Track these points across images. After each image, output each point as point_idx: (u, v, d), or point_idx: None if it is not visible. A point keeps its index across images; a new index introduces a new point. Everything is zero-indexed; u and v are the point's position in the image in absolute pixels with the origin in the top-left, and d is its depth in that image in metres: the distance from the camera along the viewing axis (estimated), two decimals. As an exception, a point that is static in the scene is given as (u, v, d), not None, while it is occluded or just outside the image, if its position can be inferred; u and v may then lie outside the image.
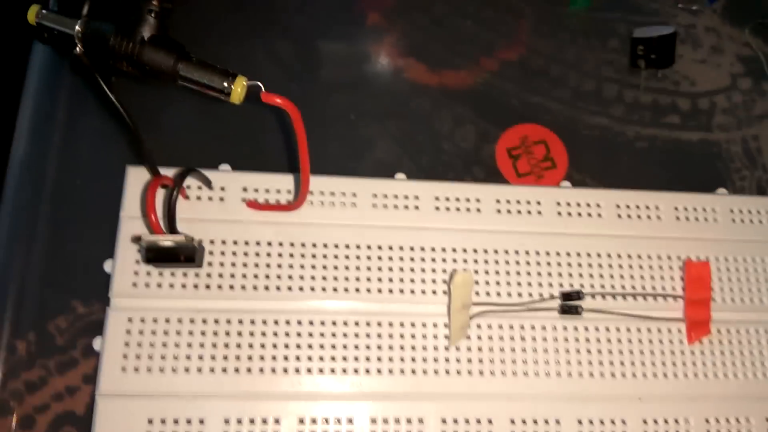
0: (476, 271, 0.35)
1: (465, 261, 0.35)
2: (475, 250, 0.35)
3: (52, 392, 0.32)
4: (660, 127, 0.43)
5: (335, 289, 0.34)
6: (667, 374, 0.35)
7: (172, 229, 0.30)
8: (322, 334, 0.33)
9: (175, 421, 0.30)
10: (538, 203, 0.37)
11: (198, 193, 0.34)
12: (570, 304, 0.35)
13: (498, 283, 0.35)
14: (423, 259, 0.35)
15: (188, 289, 0.33)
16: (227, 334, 0.32)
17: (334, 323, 0.33)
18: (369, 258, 0.35)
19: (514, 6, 0.44)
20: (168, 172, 0.33)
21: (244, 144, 0.37)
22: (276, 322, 0.33)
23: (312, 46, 0.41)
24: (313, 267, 0.34)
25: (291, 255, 0.34)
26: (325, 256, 0.34)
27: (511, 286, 0.35)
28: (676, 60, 0.44)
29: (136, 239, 0.32)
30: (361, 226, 0.35)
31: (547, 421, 0.33)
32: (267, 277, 0.34)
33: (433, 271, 0.35)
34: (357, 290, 0.34)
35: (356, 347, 0.33)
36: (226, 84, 0.27)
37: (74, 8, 0.32)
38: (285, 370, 0.32)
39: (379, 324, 0.33)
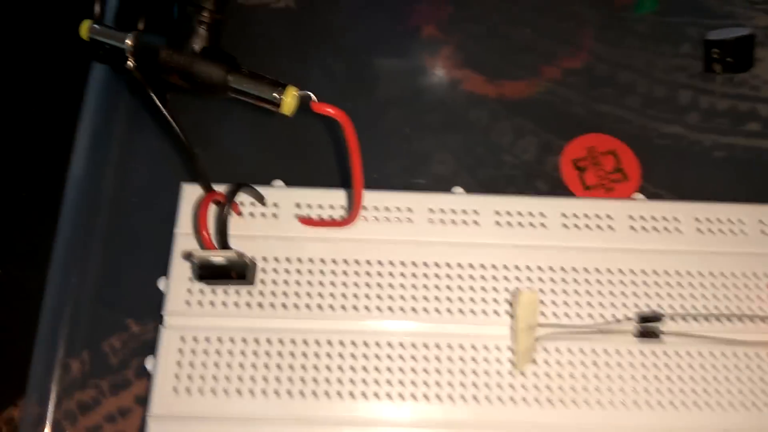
0: (542, 291, 0.33)
1: (529, 279, 0.33)
2: (540, 268, 0.33)
3: (104, 413, 0.32)
4: (739, 135, 0.39)
5: (391, 309, 0.32)
6: (756, 404, 0.31)
7: (223, 245, 0.29)
8: (377, 357, 0.31)
9: (227, 446, 0.29)
10: (609, 217, 0.34)
11: (251, 209, 0.34)
12: (648, 326, 0.32)
13: (566, 303, 0.32)
14: (484, 278, 0.33)
15: (241, 308, 0.32)
16: (280, 355, 0.31)
17: (390, 345, 0.31)
18: (426, 276, 0.33)
19: (575, 12, 0.42)
20: (222, 188, 0.33)
21: (297, 160, 0.37)
22: (330, 343, 0.31)
23: (366, 60, 0.40)
24: (368, 285, 0.33)
25: (345, 273, 0.33)
26: (380, 274, 0.33)
27: (581, 306, 0.32)
28: (755, 63, 0.40)
29: (187, 255, 0.31)
30: (417, 243, 0.33)
31: (624, 456, 0.30)
32: (321, 295, 0.32)
33: (495, 290, 0.33)
34: (414, 310, 0.32)
35: (414, 371, 0.31)
36: (276, 94, 0.26)
37: (130, 22, 0.32)
38: (339, 394, 0.30)
39: (438, 346, 0.32)
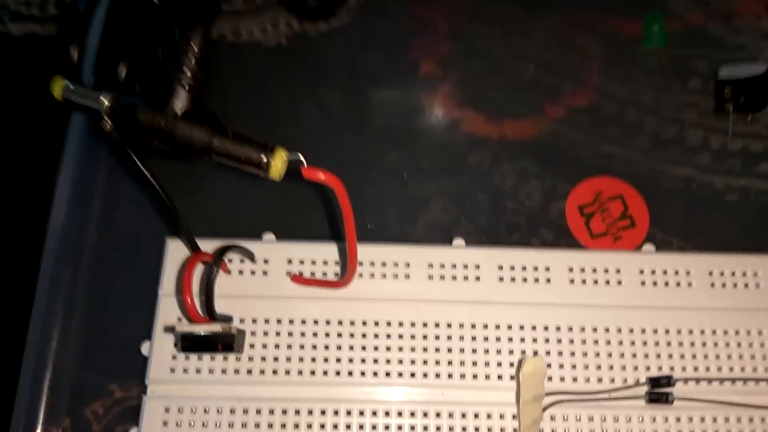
0: (548, 353, 0.31)
1: (534, 340, 0.31)
2: (546, 328, 0.31)
3: (85, 488, 0.30)
4: (753, 177, 0.37)
5: (388, 374, 0.30)
6: (772, 467, 0.30)
7: (210, 314, 0.28)
8: (374, 427, 0.29)
9: None
10: (618, 271, 0.33)
11: (240, 266, 0.32)
12: (659, 391, 0.30)
13: (574, 366, 0.31)
14: (486, 339, 0.31)
15: (228, 375, 0.30)
16: (270, 427, 0.29)
17: (387, 414, 0.30)
18: (425, 337, 0.31)
19: (581, 46, 0.40)
20: (209, 243, 0.31)
21: (287, 210, 0.35)
22: (323, 413, 0.30)
23: (362, 97, 0.38)
24: (364, 348, 0.31)
25: (339, 335, 0.31)
26: (376, 336, 0.31)
27: (588, 370, 0.31)
28: (769, 101, 0.39)
29: (170, 329, 0.29)
30: (416, 301, 0.32)
31: None
32: (313, 360, 0.30)
33: (499, 352, 0.31)
34: (412, 375, 0.30)
35: (413, 441, 0.29)
36: (265, 159, 0.24)
37: (109, 70, 0.30)
38: (333, 469, 0.29)
39: (438, 415, 0.30)
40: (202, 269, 0.31)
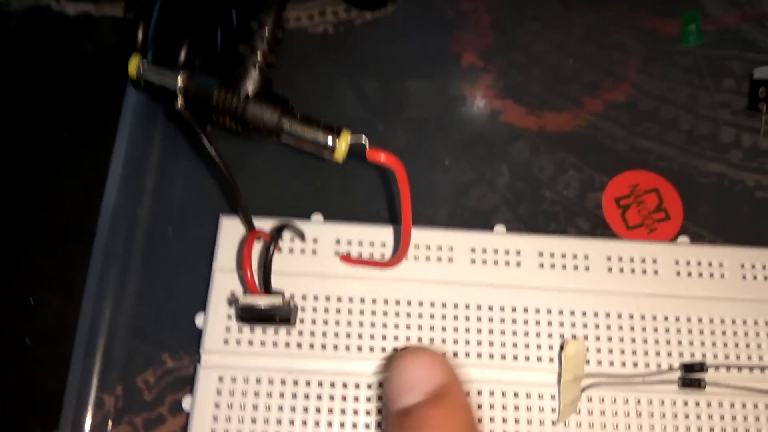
0: (586, 337, 0.32)
1: (573, 325, 0.32)
2: (584, 313, 0.33)
3: (139, 452, 0.31)
4: (783, 175, 0.39)
5: (432, 352, 0.32)
6: (794, 454, 0.31)
7: (267, 289, 0.29)
8: (418, 402, 0.31)
9: (265, 491, 0.29)
10: (654, 261, 0.34)
11: (290, 245, 0.33)
12: (692, 377, 0.31)
13: (611, 351, 0.32)
14: (526, 322, 0.32)
15: (279, 348, 0.31)
16: (319, 397, 0.30)
17: (431, 389, 0.31)
18: (467, 319, 0.32)
19: (620, 42, 0.41)
20: (258, 221, 0.32)
21: (335, 193, 0.36)
22: (369, 386, 0.31)
23: (404, 86, 0.39)
24: (408, 327, 0.32)
25: (385, 313, 0.32)
26: (420, 316, 0.32)
27: (624, 354, 0.32)
28: (801, 102, 0.40)
29: (234, 300, 0.31)
30: (458, 284, 0.33)
31: None
32: (360, 336, 0.32)
33: (538, 335, 0.32)
34: (455, 354, 0.32)
35: (454, 416, 0.30)
36: (330, 141, 0.25)
37: (171, 55, 0.32)
38: (379, 440, 0.30)
39: (479, 393, 0.31)
40: (257, 249, 0.32)
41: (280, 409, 0.30)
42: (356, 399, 0.31)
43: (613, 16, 0.41)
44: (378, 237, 0.34)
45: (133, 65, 0.26)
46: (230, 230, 0.33)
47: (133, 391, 0.32)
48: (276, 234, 0.30)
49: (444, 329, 0.32)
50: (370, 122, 0.38)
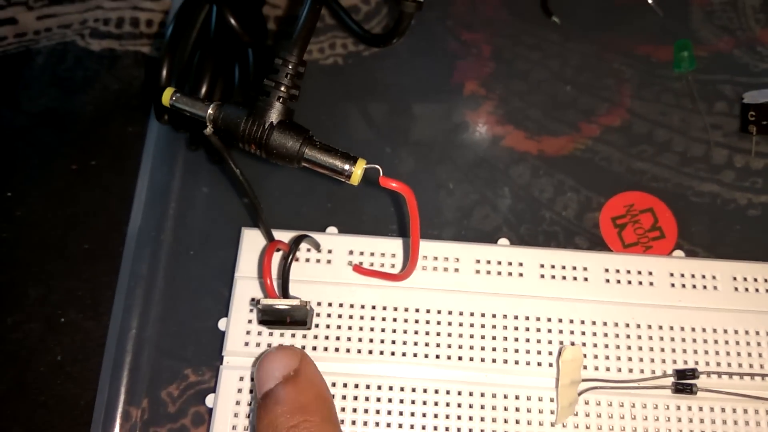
0: (584, 344, 0.34)
1: (572, 332, 0.34)
2: (583, 321, 0.35)
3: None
4: (773, 194, 0.41)
5: (437, 356, 0.34)
6: (789, 462, 0.32)
7: (285, 293, 0.31)
8: (424, 403, 0.33)
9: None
10: (650, 273, 0.36)
11: (307, 255, 0.36)
12: (684, 382, 0.33)
13: (607, 357, 0.34)
14: (528, 329, 0.34)
15: (295, 351, 0.33)
16: (332, 397, 0.32)
17: (436, 392, 0.33)
18: (472, 325, 0.34)
19: (615, 69, 0.44)
20: (277, 233, 0.35)
21: (349, 209, 0.38)
22: (379, 387, 0.33)
23: (410, 114, 0.42)
24: (416, 332, 0.34)
25: (394, 319, 0.34)
26: (428, 322, 0.34)
27: (620, 361, 0.34)
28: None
29: (255, 302, 0.33)
30: (464, 293, 0.35)
31: None
32: (371, 341, 0.34)
33: (539, 341, 0.34)
34: (460, 358, 0.34)
35: (459, 418, 0.32)
36: (347, 167, 0.27)
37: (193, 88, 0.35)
38: (388, 438, 0.32)
39: (482, 395, 0.33)
40: (276, 258, 0.35)
41: (296, 407, 0.32)
42: (367, 399, 0.33)
43: (608, 44, 0.44)
44: (388, 248, 0.36)
45: (167, 95, 0.29)
46: (251, 241, 0.36)
47: (158, 404, 0.34)
48: (294, 245, 0.32)
49: (450, 335, 0.34)
50: (378, 145, 0.41)
